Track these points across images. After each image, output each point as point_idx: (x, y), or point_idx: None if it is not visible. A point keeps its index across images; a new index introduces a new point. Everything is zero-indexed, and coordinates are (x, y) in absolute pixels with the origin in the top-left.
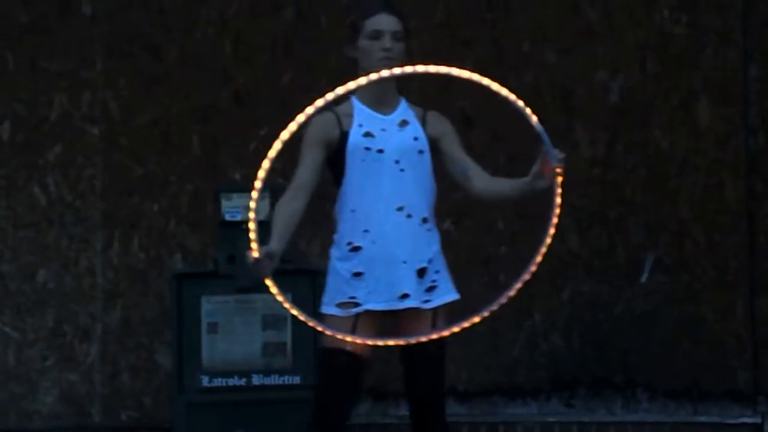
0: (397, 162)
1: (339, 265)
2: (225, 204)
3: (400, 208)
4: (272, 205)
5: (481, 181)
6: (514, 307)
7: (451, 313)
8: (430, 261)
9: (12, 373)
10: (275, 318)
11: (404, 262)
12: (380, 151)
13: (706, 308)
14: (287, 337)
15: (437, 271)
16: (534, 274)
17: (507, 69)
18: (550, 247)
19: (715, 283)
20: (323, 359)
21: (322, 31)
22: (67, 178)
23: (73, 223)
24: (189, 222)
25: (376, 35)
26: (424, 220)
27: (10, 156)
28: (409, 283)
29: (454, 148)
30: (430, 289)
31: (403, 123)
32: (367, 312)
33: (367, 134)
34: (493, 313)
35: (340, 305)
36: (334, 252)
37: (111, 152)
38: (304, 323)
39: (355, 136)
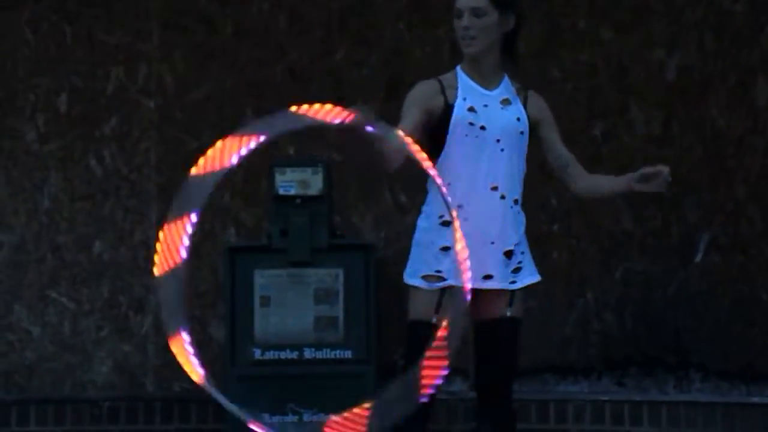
0: (498, 141)
1: (427, 237)
2: (279, 178)
3: (494, 188)
4: (325, 181)
5: (582, 179)
6: (567, 286)
7: (528, 293)
8: (517, 243)
9: (67, 344)
10: (327, 292)
11: (492, 243)
12: (483, 128)
13: (761, 289)
14: (339, 311)
15: (523, 253)
16: (586, 253)
17: (563, 47)
18: (603, 225)
19: None
20: (408, 331)
21: (376, 6)
22: (123, 151)
23: (129, 195)
24: (243, 196)
25: (458, 13)
26: (516, 202)
27: (66, 128)
28: (494, 264)
29: (553, 136)
30: (516, 270)
31: (506, 101)
32: (452, 288)
33: (471, 109)
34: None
35: (426, 278)
36: (422, 223)
37: (166, 126)
38: (356, 298)
39: (460, 110)
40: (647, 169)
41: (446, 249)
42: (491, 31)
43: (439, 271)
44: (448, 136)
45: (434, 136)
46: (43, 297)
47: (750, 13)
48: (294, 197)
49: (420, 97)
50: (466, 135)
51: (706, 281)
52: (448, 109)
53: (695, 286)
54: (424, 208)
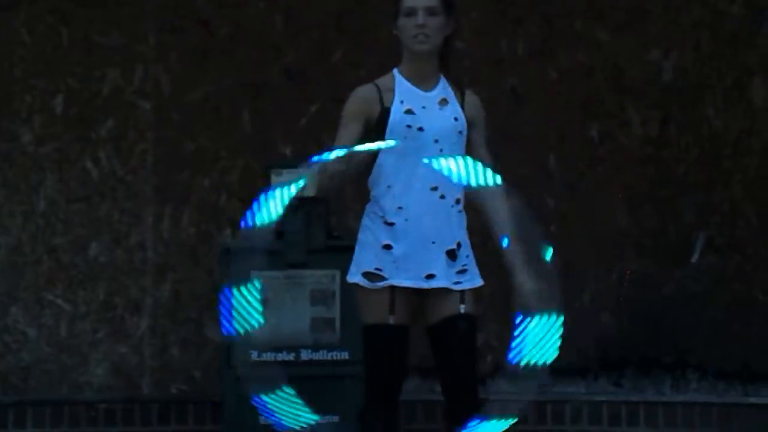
0: (436, 141)
1: (370, 235)
2: (275, 180)
3: (434, 188)
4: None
5: (489, 196)
6: (564, 287)
7: (477, 298)
8: (459, 244)
9: (64, 345)
10: (324, 293)
11: (433, 243)
12: (420, 129)
13: (757, 289)
14: (335, 312)
15: (467, 255)
16: (584, 254)
17: (559, 47)
18: (599, 226)
19: (766, 263)
20: (367, 335)
21: (373, 7)
22: (119, 153)
23: (125, 197)
24: (239, 197)
25: (411, 12)
26: (457, 201)
27: (62, 130)
28: (436, 264)
29: (479, 139)
30: (461, 272)
31: (443, 102)
32: (400, 289)
33: (408, 111)
34: None
35: (366, 275)
36: (366, 222)
37: (162, 127)
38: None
39: (397, 113)
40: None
41: (388, 247)
42: (441, 31)
43: (379, 269)
44: (386, 139)
45: (373, 138)
46: (39, 299)
47: (746, 14)
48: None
49: (358, 109)
50: (405, 137)
51: (703, 281)
52: (385, 113)
53: (692, 286)
54: (369, 208)
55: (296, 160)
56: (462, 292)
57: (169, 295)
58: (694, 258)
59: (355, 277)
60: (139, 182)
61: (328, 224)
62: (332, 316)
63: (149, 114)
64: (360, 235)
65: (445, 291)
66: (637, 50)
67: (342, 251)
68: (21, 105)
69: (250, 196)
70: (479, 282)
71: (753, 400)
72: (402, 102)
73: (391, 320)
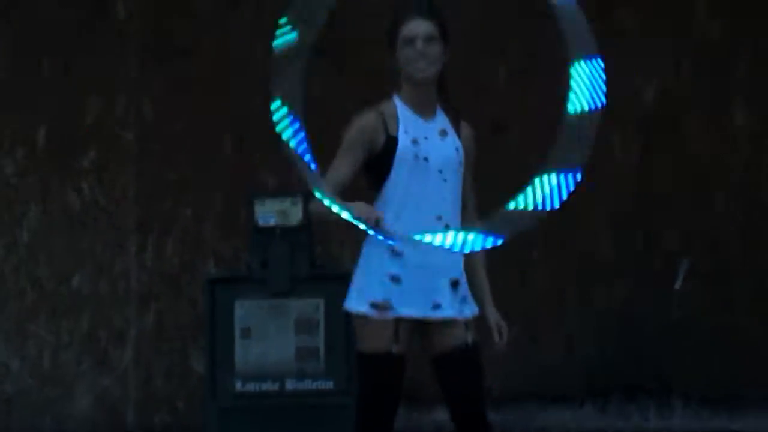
0: (440, 172)
1: (377, 266)
2: (258, 209)
3: (439, 218)
4: (305, 211)
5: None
6: (549, 314)
7: (510, 321)
8: (461, 272)
9: (47, 377)
10: (308, 323)
11: (440, 272)
12: (425, 159)
13: (741, 315)
14: (320, 341)
15: (465, 283)
16: (568, 280)
17: (541, 74)
18: (583, 253)
19: (750, 289)
20: (367, 364)
21: (355, 38)
22: (102, 183)
23: (108, 227)
24: (222, 227)
25: (410, 40)
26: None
27: (45, 161)
28: (443, 293)
29: (468, 174)
30: (462, 300)
31: (443, 132)
32: (404, 318)
33: (414, 141)
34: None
35: (374, 305)
36: (371, 250)
37: (145, 157)
38: (337, 328)
39: (404, 143)
40: (495, 329)
41: (395, 278)
42: (440, 58)
43: (387, 300)
44: (393, 169)
45: (376, 167)
46: (22, 330)
47: (726, 39)
48: (274, 228)
49: (361, 137)
50: (411, 167)
51: (687, 308)
52: (391, 141)
53: (676, 313)
54: (372, 238)
55: (279, 190)
56: (466, 321)
57: (153, 325)
58: (678, 284)
59: (361, 306)
60: (122, 213)
61: (312, 253)
62: (317, 345)
63: (131, 144)
64: (362, 263)
65: (449, 320)
66: (618, 75)
67: (326, 280)
68: (3, 136)
69: (232, 226)
70: (477, 309)
71: (737, 426)
72: (406, 131)
73: (394, 349)
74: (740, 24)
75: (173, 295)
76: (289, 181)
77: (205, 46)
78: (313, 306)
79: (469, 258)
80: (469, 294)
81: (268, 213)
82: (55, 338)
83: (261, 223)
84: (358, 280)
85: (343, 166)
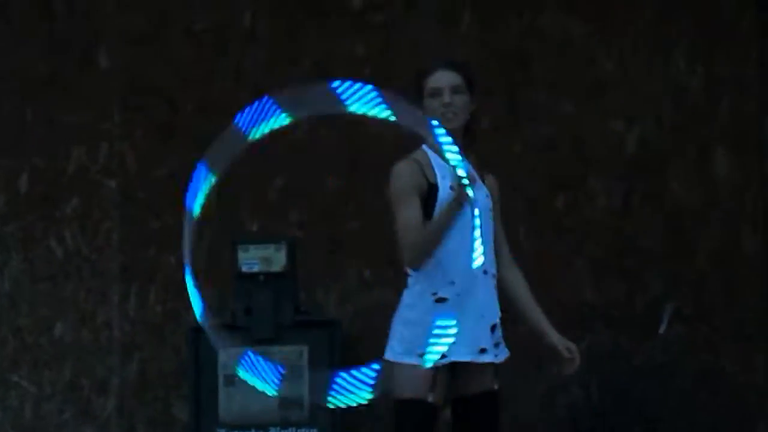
0: (475, 218)
1: (421, 315)
2: (242, 256)
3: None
4: (288, 257)
5: (510, 273)
6: (533, 359)
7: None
8: (498, 316)
9: (29, 428)
10: (292, 371)
11: (482, 317)
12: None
13: (725, 359)
14: (304, 390)
15: (500, 327)
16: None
17: (523, 120)
18: (566, 298)
19: (733, 334)
20: (403, 411)
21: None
22: (84, 231)
23: (90, 276)
24: (205, 274)
25: (436, 92)
26: (494, 276)
27: (27, 209)
28: (486, 338)
29: (497, 218)
30: (497, 344)
31: (473, 179)
32: (442, 367)
33: (452, 188)
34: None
35: (422, 356)
36: (413, 301)
37: (128, 205)
38: (321, 376)
39: (444, 189)
40: (565, 351)
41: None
42: (467, 108)
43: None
44: (434, 216)
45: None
46: (3, 380)
47: (706, 86)
48: (257, 274)
49: (412, 183)
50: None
51: (671, 352)
52: (432, 188)
53: (660, 357)
54: (414, 286)
55: (263, 236)
56: (495, 366)
57: (136, 374)
58: (662, 329)
59: (411, 358)
60: (105, 261)
61: (296, 300)
62: (301, 393)
63: (114, 192)
64: (404, 313)
65: (486, 364)
66: (599, 122)
67: (310, 327)
68: None
69: (216, 273)
70: (507, 353)
71: None
72: (444, 177)
73: (430, 398)
74: (721, 72)
75: (156, 343)
76: (273, 227)
77: (188, 94)
78: (297, 353)
79: (519, 293)
80: (502, 338)
81: (252, 259)
82: (37, 389)
83: (244, 269)
84: (400, 330)
85: (412, 210)
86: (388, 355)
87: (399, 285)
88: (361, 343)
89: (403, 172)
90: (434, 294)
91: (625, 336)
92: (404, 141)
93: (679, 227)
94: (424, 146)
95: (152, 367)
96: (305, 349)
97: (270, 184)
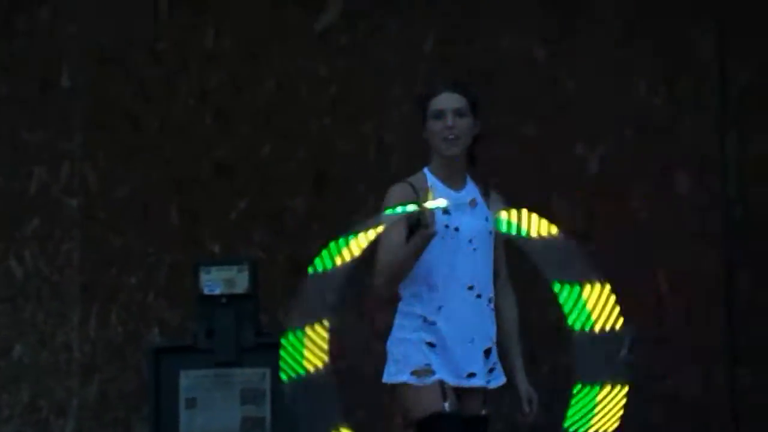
0: (470, 241)
1: (412, 334)
2: (204, 277)
3: (470, 287)
4: (251, 279)
5: (501, 299)
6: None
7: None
8: (493, 341)
9: None
10: (254, 392)
11: (472, 342)
12: (456, 229)
13: (685, 382)
14: (266, 411)
15: (495, 353)
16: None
17: (485, 141)
18: (530, 319)
19: (694, 355)
20: (425, 428)
21: (301, 103)
22: (45, 252)
23: (50, 297)
24: (167, 295)
25: (439, 114)
26: (490, 300)
27: None
28: (476, 363)
29: (498, 239)
30: (491, 370)
31: (473, 202)
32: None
33: (445, 211)
34: None
35: (416, 373)
36: (403, 322)
37: (89, 225)
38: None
39: (439, 213)
40: (525, 398)
41: (431, 345)
42: (470, 131)
43: (428, 364)
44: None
45: (409, 238)
46: None
47: (668, 107)
48: (220, 296)
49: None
50: (442, 237)
51: (632, 375)
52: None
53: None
54: (404, 308)
55: (225, 258)
56: (487, 391)
57: (96, 396)
58: (623, 352)
59: (401, 376)
60: (66, 281)
61: (258, 322)
62: (263, 416)
63: (75, 211)
64: (398, 334)
65: (476, 388)
66: (561, 144)
67: (273, 349)
68: None
69: (178, 294)
70: (504, 380)
71: None
72: None
73: (446, 407)
74: (682, 93)
75: (117, 365)
76: (235, 248)
77: (151, 114)
78: (259, 375)
79: (503, 324)
80: (498, 364)
81: (214, 281)
82: None
83: (206, 291)
84: (393, 351)
85: (393, 234)
86: (385, 378)
87: (361, 306)
88: None
89: (393, 196)
90: (423, 317)
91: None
92: (369, 164)
93: (640, 249)
94: (425, 169)
95: (112, 389)
96: (267, 372)
97: (233, 204)
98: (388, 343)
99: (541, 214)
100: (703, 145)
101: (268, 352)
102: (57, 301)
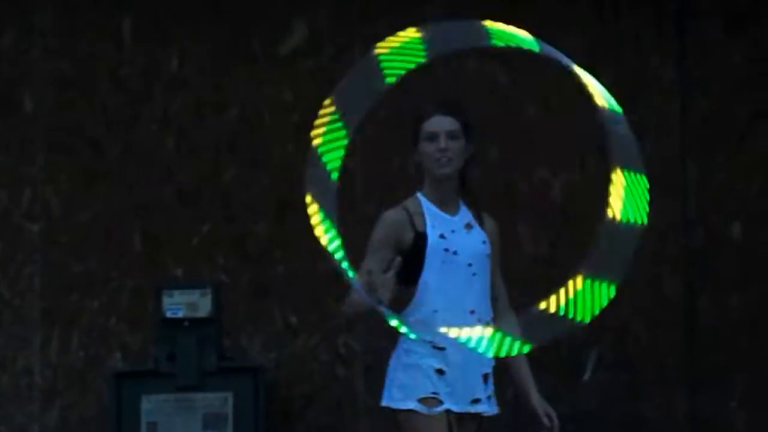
0: (469, 265)
1: (421, 360)
2: (166, 301)
3: (472, 312)
4: (214, 303)
5: (505, 324)
6: None
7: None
8: (491, 367)
9: None
10: (216, 417)
11: (476, 367)
12: (455, 253)
13: (647, 405)
14: None
15: (491, 379)
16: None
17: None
18: None
19: (655, 379)
20: None
21: (265, 128)
22: (6, 276)
23: (11, 321)
24: (129, 319)
25: (432, 137)
26: (488, 324)
27: None
28: (479, 388)
29: (494, 263)
30: (488, 397)
31: (468, 226)
32: (452, 412)
33: (441, 236)
34: None
35: (423, 401)
36: (410, 346)
37: (51, 249)
38: (246, 421)
39: (433, 238)
40: (543, 415)
41: (441, 372)
42: (462, 153)
43: (435, 393)
44: (425, 265)
45: (407, 264)
46: None
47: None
48: (182, 320)
49: (389, 234)
50: (443, 262)
51: (595, 399)
52: (421, 237)
53: (584, 404)
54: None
55: (188, 281)
56: (482, 419)
57: (57, 421)
58: (586, 375)
59: (409, 403)
60: (27, 306)
61: (220, 346)
62: None
63: (37, 236)
64: (405, 359)
65: (474, 415)
66: (526, 168)
67: (234, 373)
68: None
69: (139, 319)
70: (497, 410)
71: None
72: (434, 226)
73: None
74: (644, 117)
75: (78, 389)
76: (198, 272)
77: (113, 138)
78: (221, 400)
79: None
80: (493, 391)
81: (177, 305)
82: None
83: (169, 314)
84: (398, 376)
85: (374, 263)
86: (387, 402)
87: (325, 330)
88: (286, 389)
89: (384, 222)
90: (431, 342)
91: (551, 382)
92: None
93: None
94: (418, 194)
95: (73, 414)
96: (230, 396)
97: (196, 229)
98: (392, 367)
99: (506, 238)
100: (664, 170)
101: (230, 376)
102: (18, 325)
